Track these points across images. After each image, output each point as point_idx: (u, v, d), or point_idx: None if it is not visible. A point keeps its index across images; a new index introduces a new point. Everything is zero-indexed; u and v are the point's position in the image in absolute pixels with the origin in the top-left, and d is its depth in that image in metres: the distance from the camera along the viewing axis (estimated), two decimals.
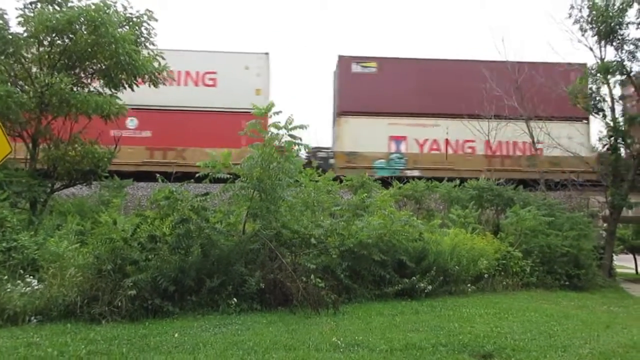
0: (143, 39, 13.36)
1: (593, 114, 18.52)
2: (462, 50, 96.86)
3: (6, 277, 7.66)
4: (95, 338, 6.38)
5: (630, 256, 30.53)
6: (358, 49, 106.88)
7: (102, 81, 13.27)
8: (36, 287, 7.63)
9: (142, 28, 13.26)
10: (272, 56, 24.24)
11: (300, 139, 9.82)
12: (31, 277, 7.91)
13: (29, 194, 11.83)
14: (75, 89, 12.27)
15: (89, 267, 8.03)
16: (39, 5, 12.24)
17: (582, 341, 7.05)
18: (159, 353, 5.88)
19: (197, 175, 9.64)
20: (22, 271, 8.15)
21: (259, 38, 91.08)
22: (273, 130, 9.52)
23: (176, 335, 6.66)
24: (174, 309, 8.03)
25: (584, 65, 19.52)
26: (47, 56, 12.50)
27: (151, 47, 13.56)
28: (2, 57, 11.97)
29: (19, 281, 7.70)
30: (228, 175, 9.51)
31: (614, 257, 19.77)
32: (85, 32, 12.04)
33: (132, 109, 15.44)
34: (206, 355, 5.84)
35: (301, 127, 9.60)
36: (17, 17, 12.09)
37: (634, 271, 28.81)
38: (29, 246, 8.67)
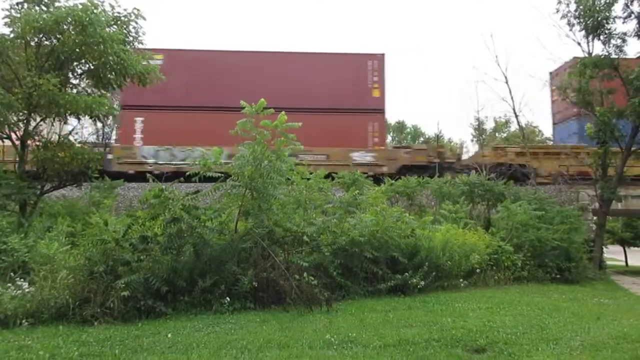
0: (131, 38, 13.28)
1: (582, 107, 18.65)
2: (456, 45, 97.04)
3: None
4: (88, 340, 6.36)
5: (620, 248, 30.88)
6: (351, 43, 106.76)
7: (91, 81, 13.17)
8: (27, 290, 7.58)
9: (131, 27, 13.16)
10: None
11: (295, 137, 9.81)
12: (22, 279, 7.87)
13: (18, 196, 11.74)
14: (63, 90, 12.16)
15: (80, 268, 7.99)
16: (25, 5, 12.11)
17: (573, 333, 7.13)
18: (152, 354, 5.87)
19: (187, 173, 9.62)
20: (12, 274, 8.12)
21: None
22: (264, 129, 9.49)
23: (169, 335, 6.65)
24: (167, 310, 8.01)
25: None
26: (34, 57, 12.37)
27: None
28: None
29: (9, 284, 7.66)
30: (219, 174, 9.48)
31: (604, 249, 19.93)
32: (72, 33, 11.92)
33: None
34: (199, 355, 5.84)
35: (293, 125, 9.60)
36: (3, 18, 11.98)
37: (623, 263, 29.13)
38: (19, 249, 8.62)
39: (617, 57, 17.76)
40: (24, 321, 7.14)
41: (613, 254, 30.21)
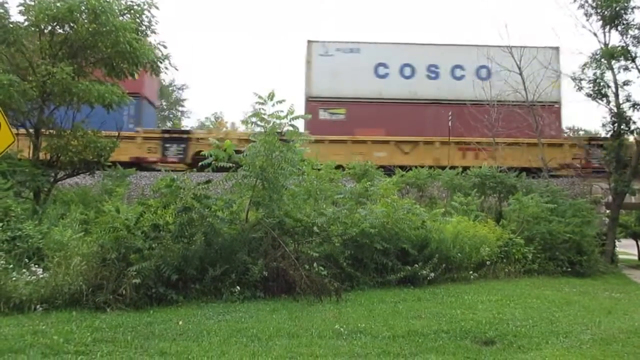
0: (144, 28, 13.31)
1: (597, 99, 18.34)
2: (464, 36, 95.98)
3: (12, 265, 7.72)
4: (101, 326, 6.46)
5: (633, 242, 30.53)
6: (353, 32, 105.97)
7: (104, 70, 13.25)
8: (41, 276, 7.69)
9: (144, 16, 13.20)
10: None
11: (298, 128, 9.83)
12: (36, 265, 7.98)
13: (32, 183, 11.88)
14: (76, 78, 12.25)
15: (93, 255, 8.08)
16: None
17: (583, 327, 7.11)
18: (164, 340, 5.95)
19: (200, 164, 9.68)
20: (27, 260, 8.23)
21: None
22: (275, 119, 9.51)
23: (180, 323, 6.73)
24: (178, 297, 8.08)
25: None
26: (48, 45, 12.46)
27: None
28: (3, 47, 11.96)
29: (24, 270, 7.77)
30: (231, 164, 9.53)
31: (616, 243, 19.71)
32: (86, 21, 11.99)
33: None
34: (210, 342, 5.91)
35: (303, 117, 9.59)
36: (17, 6, 12.07)
37: (636, 257, 28.82)
38: (33, 235, 8.73)
39: (634, 48, 17.44)
40: (38, 306, 7.25)
41: (625, 248, 29.86)
